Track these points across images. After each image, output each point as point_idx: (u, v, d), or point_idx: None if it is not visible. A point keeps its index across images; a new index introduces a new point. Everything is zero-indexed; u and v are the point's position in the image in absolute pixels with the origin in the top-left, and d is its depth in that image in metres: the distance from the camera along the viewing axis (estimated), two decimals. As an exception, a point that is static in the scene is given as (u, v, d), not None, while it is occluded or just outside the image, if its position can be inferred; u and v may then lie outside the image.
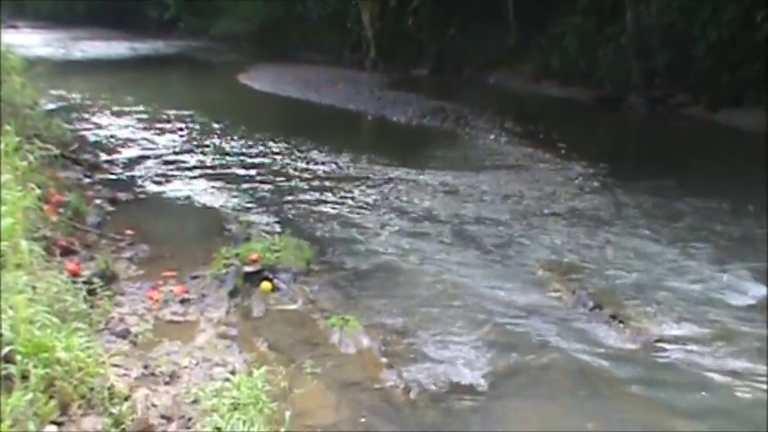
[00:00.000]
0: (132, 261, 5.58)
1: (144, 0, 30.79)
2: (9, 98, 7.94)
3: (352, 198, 7.83)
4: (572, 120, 14.04)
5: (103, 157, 9.22)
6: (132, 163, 9.09)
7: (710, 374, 4.22)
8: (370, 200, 7.78)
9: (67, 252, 5.24)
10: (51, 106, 12.11)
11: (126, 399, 3.26)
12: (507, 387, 4.05)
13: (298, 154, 9.92)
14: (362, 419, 3.66)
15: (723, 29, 12.49)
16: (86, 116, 12.30)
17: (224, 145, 10.51)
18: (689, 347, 4.52)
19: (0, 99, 7.36)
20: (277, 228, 6.57)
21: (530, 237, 6.62)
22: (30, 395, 2.91)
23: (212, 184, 8.30)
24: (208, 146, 10.42)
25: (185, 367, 3.92)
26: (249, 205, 7.46)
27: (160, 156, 9.64)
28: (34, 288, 3.71)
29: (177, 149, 10.14)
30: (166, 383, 3.69)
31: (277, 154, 9.93)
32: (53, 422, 2.98)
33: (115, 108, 13.11)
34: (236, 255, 5.43)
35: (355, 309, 4.92)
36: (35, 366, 3.02)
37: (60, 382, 3.09)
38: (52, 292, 3.88)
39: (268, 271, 5.31)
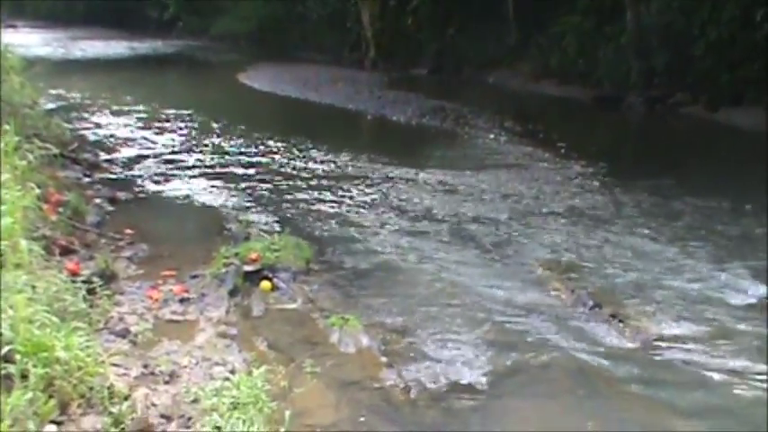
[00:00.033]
0: (132, 260, 5.57)
1: (143, 0, 30.78)
2: (8, 97, 7.93)
3: (352, 197, 7.83)
4: (571, 119, 14.04)
5: (103, 156, 9.21)
6: (132, 162, 9.09)
7: (710, 373, 4.22)
8: (369, 199, 7.78)
9: (67, 251, 5.23)
10: (51, 106, 12.10)
11: (125, 398, 3.25)
12: (507, 386, 4.05)
13: (297, 153, 9.92)
14: (362, 419, 3.66)
15: (722, 28, 12.50)
16: (86, 115, 12.30)
17: (223, 144, 10.52)
18: (688, 346, 4.52)
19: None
20: (276, 227, 6.57)
21: (529, 236, 6.62)
22: (29, 394, 2.91)
23: (212, 183, 8.30)
24: (207, 145, 10.42)
25: (185, 366, 3.92)
26: (248, 204, 7.46)
27: (159, 155, 9.64)
28: (34, 287, 3.71)
29: (176, 149, 10.15)
30: (166, 383, 3.69)
31: (276, 153, 9.93)
32: (53, 421, 2.98)
33: (114, 107, 13.11)
34: (236, 254, 5.42)
35: (355, 308, 4.92)
36: (35, 366, 3.02)
37: (60, 381, 3.09)
38: (51, 292, 3.88)
39: (267, 270, 5.31)
